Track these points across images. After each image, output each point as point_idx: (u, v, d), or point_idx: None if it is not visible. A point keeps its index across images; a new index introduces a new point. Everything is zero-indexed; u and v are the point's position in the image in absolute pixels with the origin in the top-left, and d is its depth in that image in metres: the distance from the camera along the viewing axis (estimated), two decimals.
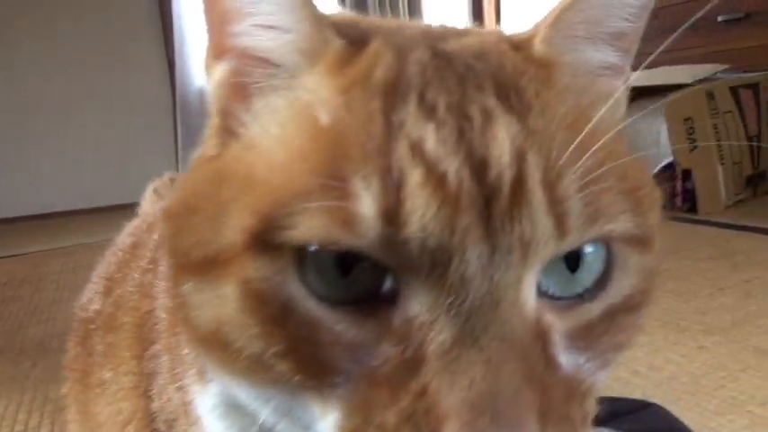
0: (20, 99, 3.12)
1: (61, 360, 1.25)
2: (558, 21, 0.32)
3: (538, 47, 0.32)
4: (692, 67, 2.37)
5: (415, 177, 0.26)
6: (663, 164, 2.16)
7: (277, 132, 0.30)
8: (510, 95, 0.29)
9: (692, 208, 2.11)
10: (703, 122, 2.13)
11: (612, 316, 0.30)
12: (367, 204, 0.26)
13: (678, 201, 2.14)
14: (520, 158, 0.27)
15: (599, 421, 0.31)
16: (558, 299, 0.29)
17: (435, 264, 0.26)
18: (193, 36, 2.65)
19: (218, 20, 0.32)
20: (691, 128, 2.11)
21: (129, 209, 0.81)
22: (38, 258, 2.21)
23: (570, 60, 0.32)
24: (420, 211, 0.26)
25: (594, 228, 0.28)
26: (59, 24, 3.14)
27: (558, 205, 0.27)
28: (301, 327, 0.28)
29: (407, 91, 0.29)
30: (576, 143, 0.28)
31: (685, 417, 0.82)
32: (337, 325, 0.28)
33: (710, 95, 2.17)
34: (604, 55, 0.33)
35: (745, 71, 2.37)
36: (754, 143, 2.28)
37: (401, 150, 0.27)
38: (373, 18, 0.38)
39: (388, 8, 3.50)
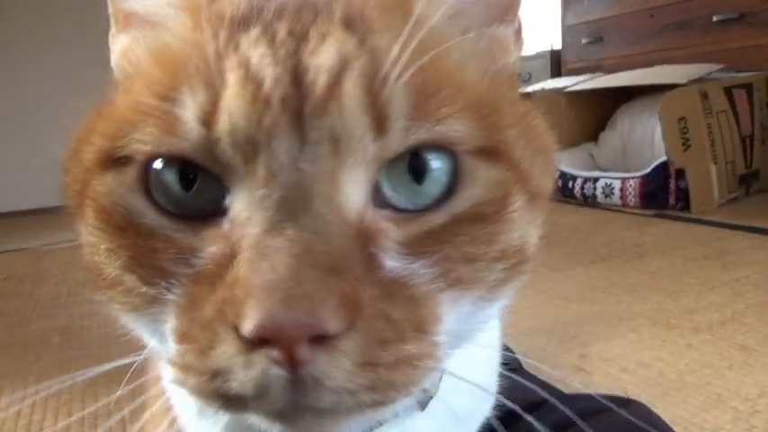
0: (18, 92, 3.13)
1: (63, 354, 1.28)
2: None
3: None
4: (687, 67, 2.39)
5: (232, 82, 0.28)
6: (657, 163, 2.19)
7: (142, 67, 0.34)
8: (356, 20, 0.31)
9: (686, 207, 2.13)
10: (697, 122, 2.15)
11: (457, 224, 0.30)
12: (189, 109, 0.29)
13: (671, 199, 2.16)
14: (343, 65, 0.29)
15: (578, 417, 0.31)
16: (404, 210, 0.30)
17: (246, 159, 0.28)
18: None
19: None
20: (684, 127, 2.13)
21: None
22: (38, 254, 2.22)
23: None
24: (230, 109, 0.28)
25: (422, 130, 0.29)
26: (57, 17, 3.14)
27: (377, 105, 0.28)
28: (142, 237, 0.30)
29: (254, 24, 0.31)
30: (410, 54, 0.29)
31: (671, 412, 0.84)
32: (175, 233, 0.30)
33: (704, 95, 2.19)
34: None
35: (739, 71, 2.39)
36: (748, 143, 2.31)
37: (229, 65, 0.29)
38: None
39: None
